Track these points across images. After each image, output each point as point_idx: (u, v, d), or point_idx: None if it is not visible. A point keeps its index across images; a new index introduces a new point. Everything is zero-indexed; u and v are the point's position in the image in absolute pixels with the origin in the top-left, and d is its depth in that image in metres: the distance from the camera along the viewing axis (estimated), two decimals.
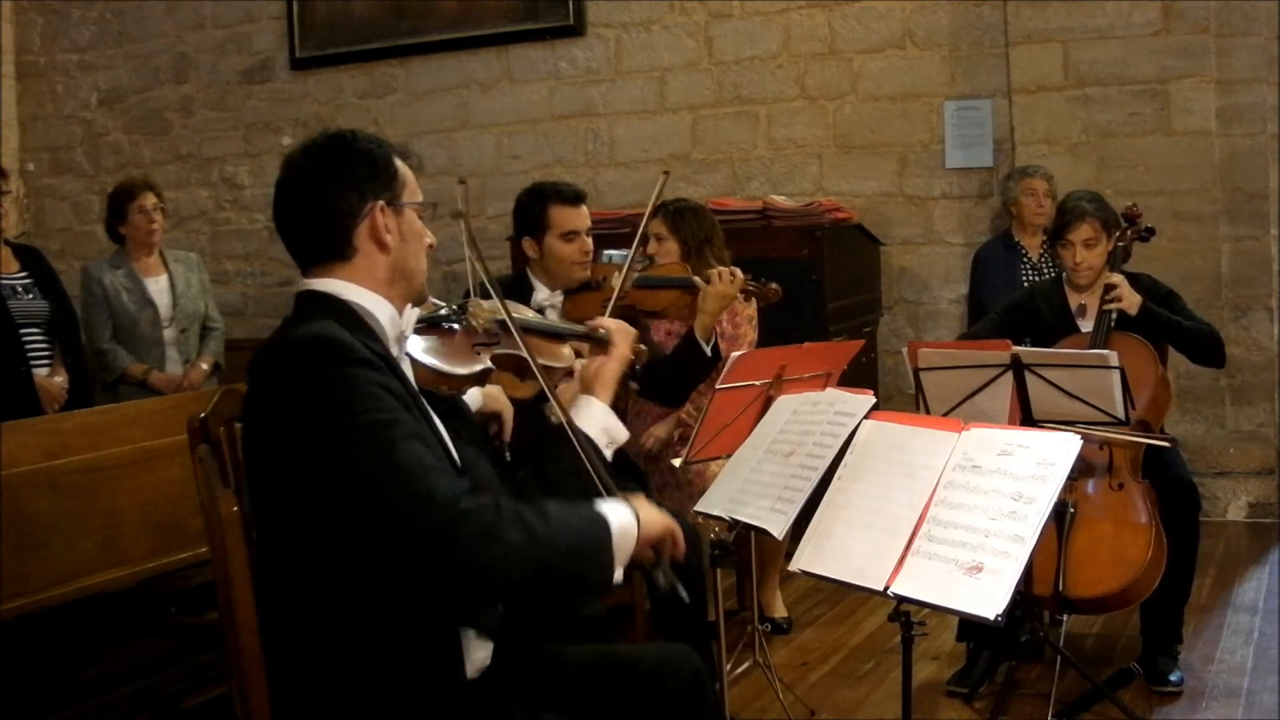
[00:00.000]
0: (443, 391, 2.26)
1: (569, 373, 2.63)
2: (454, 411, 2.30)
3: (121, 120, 7.77)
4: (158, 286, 5.36)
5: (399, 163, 2.08)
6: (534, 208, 3.57)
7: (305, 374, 1.84)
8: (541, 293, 3.59)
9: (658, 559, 2.02)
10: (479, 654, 2.03)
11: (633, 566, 1.99)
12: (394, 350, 2.05)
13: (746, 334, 4.30)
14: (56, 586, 3.07)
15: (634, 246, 3.68)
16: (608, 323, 2.65)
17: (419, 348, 2.24)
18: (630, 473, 3.82)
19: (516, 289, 3.53)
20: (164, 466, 3.34)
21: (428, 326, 2.34)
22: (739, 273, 3.60)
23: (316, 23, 7.16)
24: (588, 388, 2.45)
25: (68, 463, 3.25)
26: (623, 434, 2.41)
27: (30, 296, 4.89)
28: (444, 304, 2.41)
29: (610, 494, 2.08)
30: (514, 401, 2.79)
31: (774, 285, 3.66)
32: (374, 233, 2.01)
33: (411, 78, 7.04)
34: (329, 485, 1.81)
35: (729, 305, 3.75)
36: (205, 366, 5.41)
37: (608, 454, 2.34)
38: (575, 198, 3.62)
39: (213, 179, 7.60)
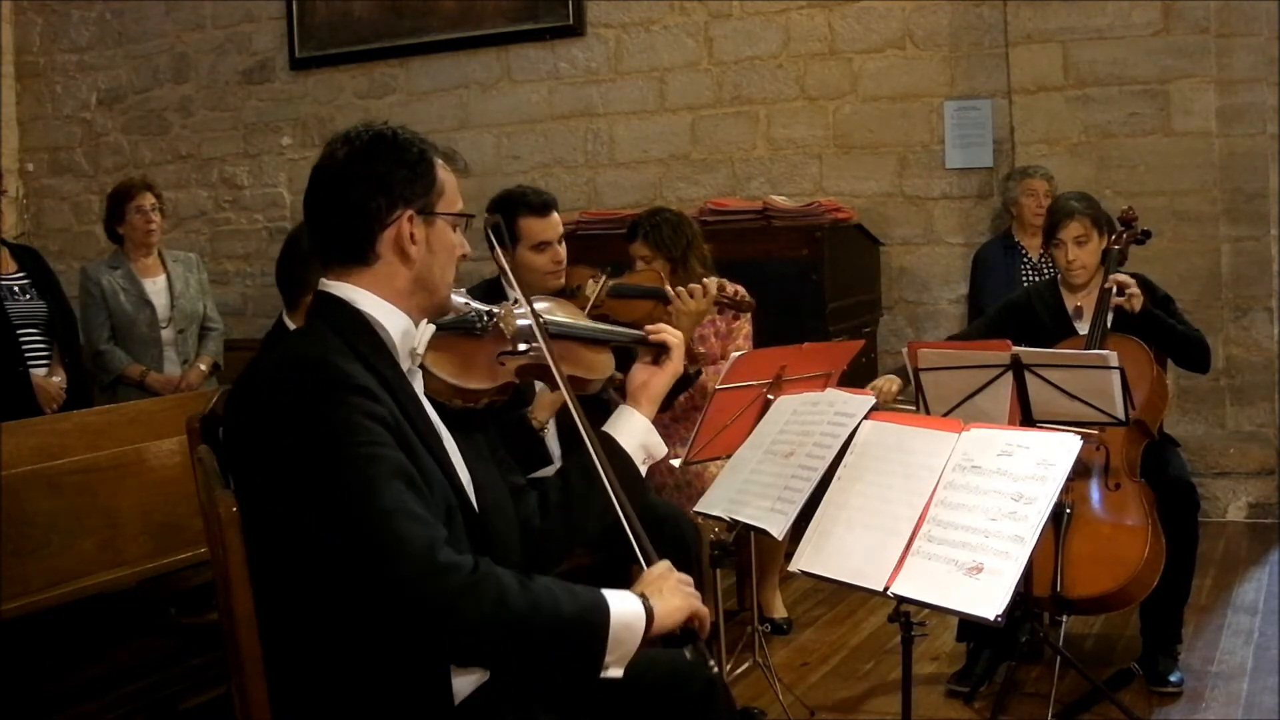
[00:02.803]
0: (455, 405, 2.12)
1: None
2: (472, 424, 2.16)
3: (121, 120, 7.77)
4: (156, 287, 5.36)
5: (440, 168, 1.97)
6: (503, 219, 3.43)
7: (295, 402, 1.79)
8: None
9: (683, 637, 1.94)
10: (472, 675, 1.93)
11: (651, 642, 1.90)
12: (405, 364, 1.98)
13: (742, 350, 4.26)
14: (56, 586, 3.08)
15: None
16: (668, 331, 2.34)
17: (433, 357, 2.11)
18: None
19: (490, 299, 3.47)
20: (163, 467, 3.34)
21: (451, 332, 2.15)
22: (711, 287, 3.54)
23: (316, 23, 7.16)
24: (633, 398, 2.27)
25: (66, 463, 3.25)
26: (661, 450, 2.27)
27: (28, 297, 4.90)
28: (475, 305, 2.21)
29: (638, 538, 1.97)
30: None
31: (749, 299, 3.68)
32: (399, 242, 1.92)
33: (411, 78, 7.03)
34: (307, 518, 1.76)
35: (703, 320, 3.73)
36: (204, 367, 5.40)
37: (643, 470, 2.23)
38: (544, 207, 3.56)
39: (212, 179, 7.59)
